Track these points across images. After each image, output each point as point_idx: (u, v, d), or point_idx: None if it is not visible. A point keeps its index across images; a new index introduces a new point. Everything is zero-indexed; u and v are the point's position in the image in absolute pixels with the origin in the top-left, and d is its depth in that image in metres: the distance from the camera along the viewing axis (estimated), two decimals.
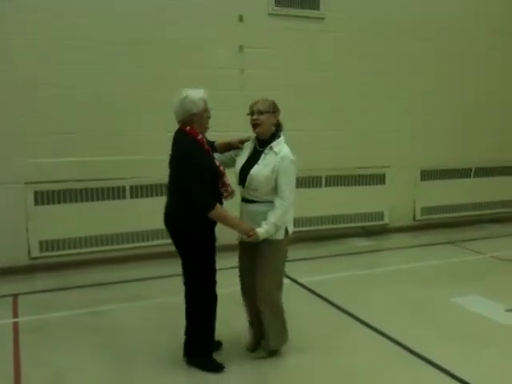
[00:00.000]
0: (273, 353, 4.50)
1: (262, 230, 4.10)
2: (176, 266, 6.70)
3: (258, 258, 4.28)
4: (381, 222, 8.63)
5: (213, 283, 4.31)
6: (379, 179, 8.51)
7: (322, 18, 7.72)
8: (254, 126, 4.24)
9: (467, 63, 8.80)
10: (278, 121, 4.35)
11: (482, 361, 4.44)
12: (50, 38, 6.40)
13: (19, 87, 6.34)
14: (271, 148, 4.21)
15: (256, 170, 4.19)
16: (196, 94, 4.14)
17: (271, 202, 4.19)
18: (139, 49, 6.78)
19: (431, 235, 8.57)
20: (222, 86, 7.19)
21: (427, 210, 8.97)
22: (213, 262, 4.30)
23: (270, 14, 7.44)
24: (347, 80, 7.97)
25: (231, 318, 4.78)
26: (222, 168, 4.26)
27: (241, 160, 4.36)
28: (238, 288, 4.55)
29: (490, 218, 9.44)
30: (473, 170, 9.21)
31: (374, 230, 8.56)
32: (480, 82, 8.93)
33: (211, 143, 4.46)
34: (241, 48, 7.31)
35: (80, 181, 6.66)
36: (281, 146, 4.22)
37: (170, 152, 4.19)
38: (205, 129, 4.26)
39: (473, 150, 9.08)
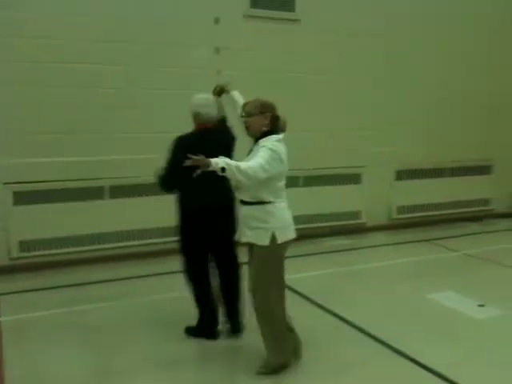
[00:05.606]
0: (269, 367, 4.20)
1: (217, 160, 3.69)
2: (155, 266, 6.80)
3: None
4: (358, 221, 8.74)
5: None
6: (355, 179, 8.63)
7: (298, 20, 7.82)
8: (245, 127, 4.15)
9: (441, 63, 8.93)
10: (274, 119, 4.19)
11: (455, 353, 4.56)
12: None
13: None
14: (258, 144, 4.08)
15: None
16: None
17: (261, 203, 4.15)
18: (116, 48, 6.81)
19: (407, 233, 8.71)
20: (199, 86, 7.23)
21: (403, 209, 9.11)
22: None
23: (245, 16, 7.52)
24: (322, 81, 8.07)
25: None
26: None
27: None
28: None
29: (465, 216, 9.60)
30: (447, 170, 9.37)
31: (351, 228, 8.66)
32: (455, 81, 9.07)
33: None
34: (217, 49, 7.38)
35: (59, 181, 6.68)
36: (267, 141, 4.06)
37: (216, 139, 4.56)
38: None
39: (447, 150, 9.23)
